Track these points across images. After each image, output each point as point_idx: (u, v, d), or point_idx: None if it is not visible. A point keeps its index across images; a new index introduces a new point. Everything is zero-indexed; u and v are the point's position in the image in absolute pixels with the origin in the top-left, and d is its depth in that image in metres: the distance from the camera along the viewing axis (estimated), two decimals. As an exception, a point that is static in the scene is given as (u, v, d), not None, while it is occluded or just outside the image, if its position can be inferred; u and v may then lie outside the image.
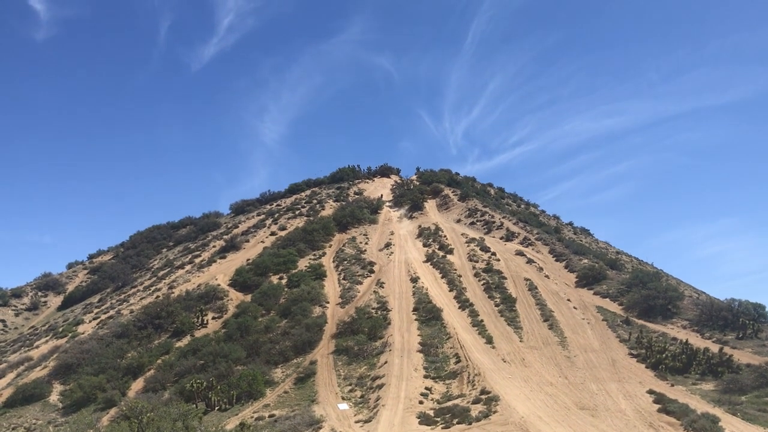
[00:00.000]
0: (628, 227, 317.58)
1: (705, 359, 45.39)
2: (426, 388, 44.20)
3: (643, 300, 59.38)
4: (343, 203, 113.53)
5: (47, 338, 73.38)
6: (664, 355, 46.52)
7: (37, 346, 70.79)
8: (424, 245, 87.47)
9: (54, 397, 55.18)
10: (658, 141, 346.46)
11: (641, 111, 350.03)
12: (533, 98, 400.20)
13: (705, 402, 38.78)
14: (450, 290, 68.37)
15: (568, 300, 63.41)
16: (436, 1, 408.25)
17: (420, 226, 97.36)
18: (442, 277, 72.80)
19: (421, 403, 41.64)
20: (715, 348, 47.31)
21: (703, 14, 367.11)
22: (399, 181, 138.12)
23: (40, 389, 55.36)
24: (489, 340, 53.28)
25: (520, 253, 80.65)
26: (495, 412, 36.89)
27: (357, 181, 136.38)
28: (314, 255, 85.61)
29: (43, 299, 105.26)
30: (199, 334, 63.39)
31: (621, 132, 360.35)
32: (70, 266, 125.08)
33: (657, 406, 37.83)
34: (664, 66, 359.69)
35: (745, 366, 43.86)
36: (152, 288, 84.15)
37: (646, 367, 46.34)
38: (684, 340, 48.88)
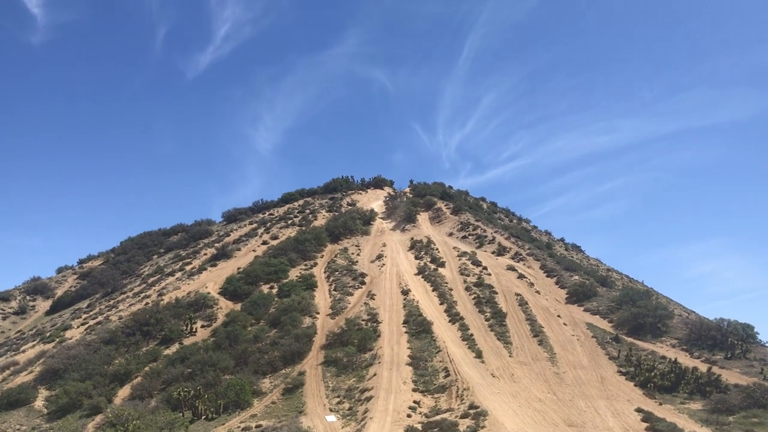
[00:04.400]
0: (619, 244, 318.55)
1: (693, 378, 45.45)
2: (414, 402, 44.06)
3: (633, 318, 59.44)
4: (336, 214, 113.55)
5: (34, 343, 72.82)
6: (652, 374, 46.54)
7: (24, 351, 70.25)
8: (416, 258, 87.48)
9: (39, 403, 54.72)
10: (649, 160, 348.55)
11: (634, 129, 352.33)
12: (526, 114, 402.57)
13: (693, 421, 38.81)
14: (441, 303, 68.31)
15: (558, 316, 63.44)
16: (431, 16, 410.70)
17: (412, 239, 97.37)
18: (433, 290, 72.75)
19: (409, 416, 41.49)
20: (703, 367, 47.39)
21: (696, 36, 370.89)
22: (392, 193, 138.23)
23: (26, 394, 54.93)
24: (478, 355, 53.22)
25: (511, 268, 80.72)
26: (483, 427, 36.81)
27: (350, 192, 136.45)
28: (305, 265, 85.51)
29: (31, 303, 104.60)
30: (187, 342, 63.08)
31: (613, 150, 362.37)
32: (59, 271, 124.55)
33: (645, 425, 37.85)
34: (658, 86, 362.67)
35: (733, 386, 43.93)
36: (142, 294, 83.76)
37: (635, 385, 46.34)
38: (673, 359, 48.93)
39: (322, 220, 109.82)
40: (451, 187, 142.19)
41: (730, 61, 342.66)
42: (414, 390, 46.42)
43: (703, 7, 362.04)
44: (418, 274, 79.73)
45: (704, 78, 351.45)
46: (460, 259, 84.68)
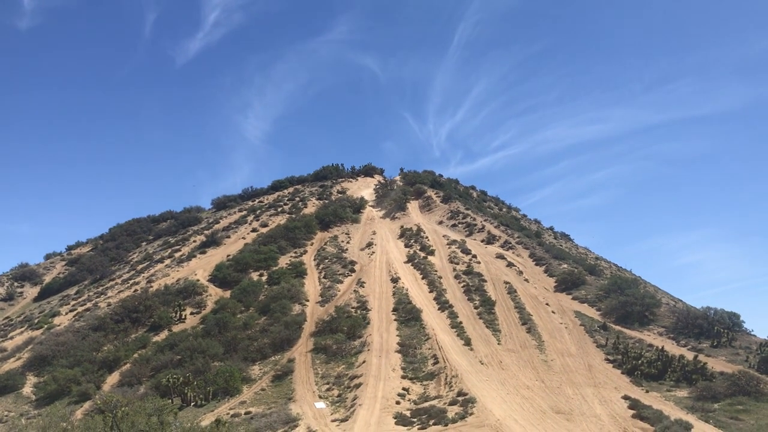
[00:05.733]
0: (607, 233, 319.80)
1: (680, 366, 45.88)
2: (403, 389, 44.25)
3: (621, 306, 59.85)
4: (326, 202, 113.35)
5: (22, 329, 72.51)
6: (639, 362, 46.95)
7: (12, 337, 69.93)
8: (406, 246, 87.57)
9: (27, 389, 54.58)
10: (638, 150, 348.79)
11: (623, 119, 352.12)
12: (517, 103, 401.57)
13: (678, 408, 39.20)
14: (430, 291, 68.51)
15: (547, 304, 63.78)
16: (422, 4, 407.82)
17: (402, 227, 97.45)
18: (422, 278, 72.93)
19: (398, 403, 41.68)
20: (690, 355, 47.85)
21: (687, 27, 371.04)
22: (382, 181, 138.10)
23: (14, 381, 54.78)
24: (467, 342, 53.46)
25: (500, 257, 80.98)
26: (471, 413, 37.03)
27: (340, 179, 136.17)
28: (295, 253, 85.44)
29: (19, 290, 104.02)
30: (176, 329, 63.02)
31: (603, 140, 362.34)
32: (47, 257, 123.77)
33: (631, 412, 38.18)
34: (647, 76, 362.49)
35: (719, 374, 44.39)
36: (131, 281, 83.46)
37: (622, 373, 46.75)
38: (660, 347, 49.36)
39: (312, 207, 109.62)
40: (441, 176, 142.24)
41: (719, 53, 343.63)
42: (403, 377, 46.62)
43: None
44: (407, 262, 79.85)
45: (694, 69, 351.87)
46: (449, 248, 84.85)
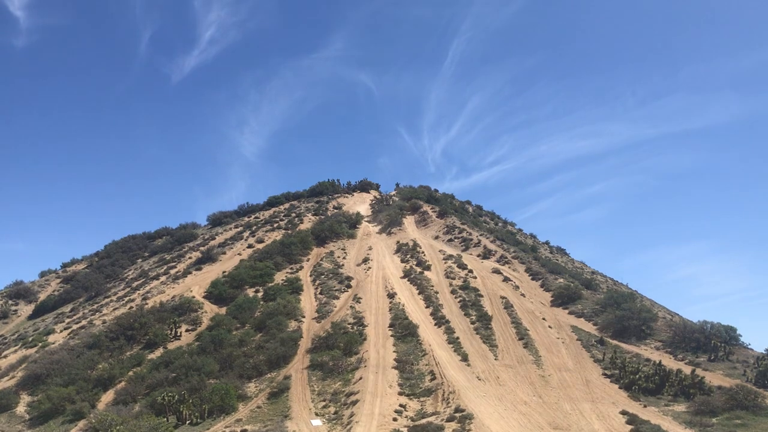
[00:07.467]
0: (603, 247, 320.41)
1: (677, 381, 45.76)
2: (400, 405, 44.03)
3: (618, 320, 59.76)
4: (322, 217, 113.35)
5: (16, 348, 72.05)
6: (637, 376, 46.82)
7: (6, 356, 69.46)
8: (402, 261, 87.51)
9: (21, 408, 54.14)
10: (632, 163, 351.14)
11: (617, 134, 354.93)
12: (511, 118, 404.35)
13: (677, 423, 39.05)
14: (426, 307, 68.35)
15: (544, 319, 63.67)
16: (416, 20, 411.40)
17: (398, 242, 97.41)
18: (419, 294, 72.80)
19: (395, 420, 41.46)
20: (687, 369, 47.73)
21: (678, 41, 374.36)
22: (378, 197, 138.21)
23: (7, 400, 54.36)
24: (464, 358, 53.29)
25: (496, 271, 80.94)
26: (469, 430, 36.86)
27: (336, 195, 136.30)
28: (291, 269, 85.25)
29: (13, 307, 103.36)
30: (172, 346, 62.66)
31: (597, 154, 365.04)
32: (42, 274, 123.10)
33: (629, 427, 38.03)
34: (640, 90, 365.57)
35: (717, 388, 44.27)
36: (126, 299, 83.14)
37: (620, 388, 46.60)
38: (657, 361, 49.25)
39: (308, 223, 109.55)
40: (436, 191, 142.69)
41: (711, 67, 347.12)
42: (400, 393, 46.40)
43: (685, 13, 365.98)
44: (404, 277, 79.72)
45: (686, 83, 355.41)
46: (445, 263, 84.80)
